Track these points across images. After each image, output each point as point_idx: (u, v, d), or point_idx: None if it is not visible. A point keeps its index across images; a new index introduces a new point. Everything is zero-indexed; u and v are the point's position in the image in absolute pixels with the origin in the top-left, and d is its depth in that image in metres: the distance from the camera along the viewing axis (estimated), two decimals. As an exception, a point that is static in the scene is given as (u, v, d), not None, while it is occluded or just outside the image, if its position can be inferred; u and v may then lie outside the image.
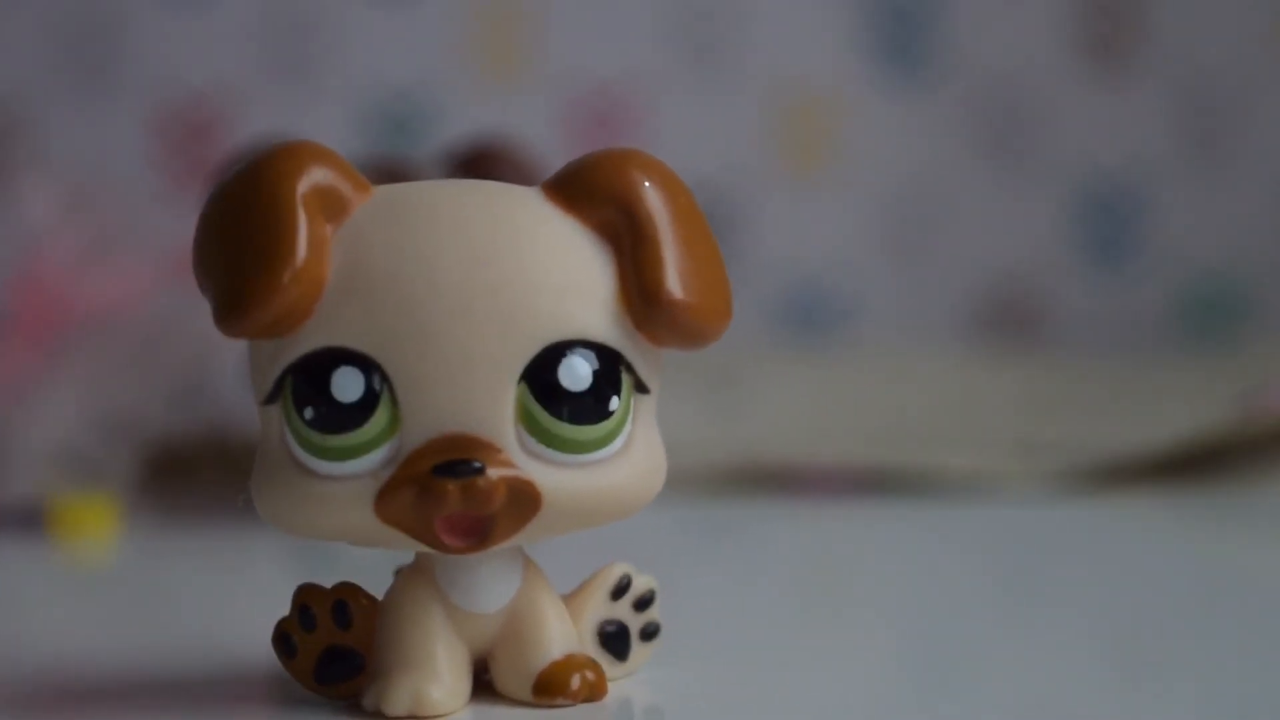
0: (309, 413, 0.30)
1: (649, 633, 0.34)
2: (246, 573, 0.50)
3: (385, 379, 0.30)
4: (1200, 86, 0.85)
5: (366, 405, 0.30)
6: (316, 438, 0.30)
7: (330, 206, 0.30)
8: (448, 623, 0.32)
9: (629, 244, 0.31)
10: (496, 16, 0.82)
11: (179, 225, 0.73)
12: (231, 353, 0.60)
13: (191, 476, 0.62)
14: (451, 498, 0.29)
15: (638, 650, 0.34)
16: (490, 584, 0.32)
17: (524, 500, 0.30)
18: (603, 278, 0.31)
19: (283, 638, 0.32)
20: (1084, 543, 0.52)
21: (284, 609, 0.32)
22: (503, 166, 0.51)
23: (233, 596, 0.47)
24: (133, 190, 0.77)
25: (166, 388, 0.61)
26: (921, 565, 0.49)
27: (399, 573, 0.34)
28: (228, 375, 0.61)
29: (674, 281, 0.31)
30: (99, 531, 0.53)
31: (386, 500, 0.30)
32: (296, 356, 0.30)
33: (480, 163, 0.51)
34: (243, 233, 0.30)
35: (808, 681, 0.35)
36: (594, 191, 0.31)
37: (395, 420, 0.30)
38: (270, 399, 0.31)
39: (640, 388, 0.31)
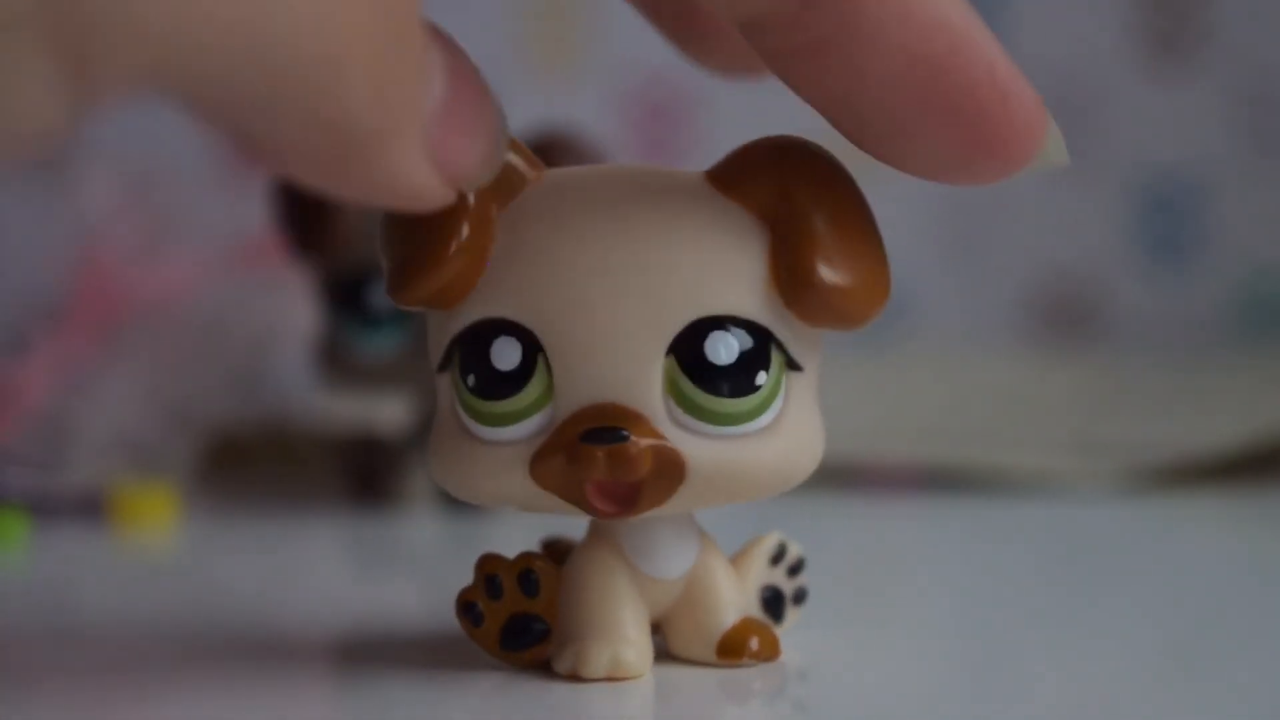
0: (471, 380, 0.32)
1: (799, 597, 0.36)
2: (305, 562, 0.50)
3: (541, 349, 0.31)
4: (1262, 83, 0.85)
5: (523, 373, 0.31)
6: (479, 404, 0.32)
7: (500, 184, 0.31)
8: (633, 588, 0.33)
9: (783, 226, 0.31)
10: (550, 5, 0.82)
11: (237, 213, 0.74)
12: (291, 342, 0.60)
13: (250, 465, 0.62)
14: (598, 464, 0.31)
15: (790, 613, 0.35)
16: (674, 551, 0.33)
17: (669, 468, 0.31)
18: (756, 258, 0.31)
19: (467, 606, 0.33)
20: (1144, 542, 0.51)
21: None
22: (568, 156, 0.50)
23: (291, 586, 0.47)
24: (190, 179, 0.78)
25: (225, 376, 0.61)
26: (982, 563, 0.49)
27: (545, 545, 0.36)
28: (287, 364, 0.61)
29: (824, 264, 0.31)
30: (158, 520, 0.53)
31: (539, 465, 0.31)
32: (462, 327, 0.32)
33: (545, 152, 0.51)
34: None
35: (871, 677, 0.35)
36: (752, 175, 0.32)
37: (549, 389, 0.31)
38: (442, 367, 0.32)
39: (792, 365, 0.32)
